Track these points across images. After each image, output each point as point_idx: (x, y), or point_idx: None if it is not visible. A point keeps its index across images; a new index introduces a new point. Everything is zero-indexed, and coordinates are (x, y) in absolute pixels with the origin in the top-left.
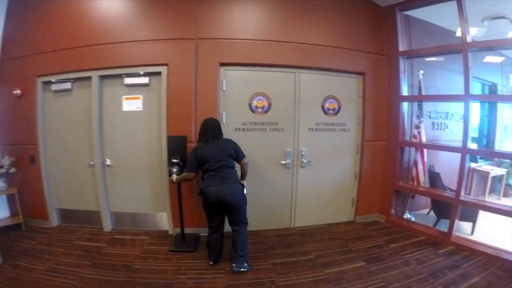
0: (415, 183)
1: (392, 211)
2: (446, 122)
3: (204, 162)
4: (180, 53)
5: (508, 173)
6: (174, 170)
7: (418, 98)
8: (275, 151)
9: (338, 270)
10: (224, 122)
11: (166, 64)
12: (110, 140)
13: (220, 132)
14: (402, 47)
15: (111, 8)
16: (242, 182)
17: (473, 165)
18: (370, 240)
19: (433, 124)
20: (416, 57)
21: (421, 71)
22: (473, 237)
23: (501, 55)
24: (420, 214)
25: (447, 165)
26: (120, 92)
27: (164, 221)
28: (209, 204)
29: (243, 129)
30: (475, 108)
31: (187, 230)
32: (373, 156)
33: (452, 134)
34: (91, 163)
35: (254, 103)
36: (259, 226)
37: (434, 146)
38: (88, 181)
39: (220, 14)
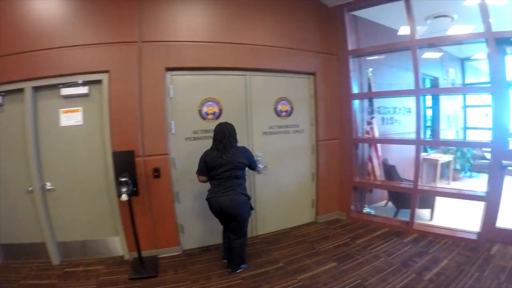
0: (372, 178)
1: (352, 207)
2: (395, 116)
3: (212, 168)
4: (122, 59)
5: (454, 158)
6: (124, 190)
7: (370, 95)
8: None
9: (311, 274)
10: (173, 132)
11: (107, 71)
12: (49, 161)
13: (235, 140)
14: (351, 46)
15: (45, 10)
16: (246, 194)
17: (422, 154)
18: (336, 238)
19: (382, 119)
20: (365, 56)
21: (370, 69)
22: (434, 222)
23: (441, 50)
24: (378, 207)
25: (399, 156)
26: (57, 105)
27: (117, 246)
28: (214, 214)
29: (195, 138)
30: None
31: (145, 253)
32: (328, 155)
33: (401, 127)
34: (30, 188)
35: (205, 109)
36: (219, 240)
37: (389, 140)
38: (28, 209)
39: (165, 15)
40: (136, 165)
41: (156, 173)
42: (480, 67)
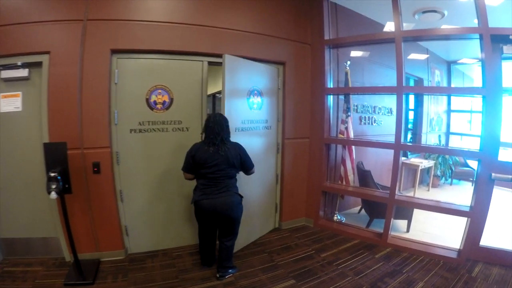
0: (344, 183)
1: (321, 213)
2: (374, 116)
3: (202, 165)
4: (64, 38)
5: (435, 164)
6: (53, 186)
7: (346, 91)
8: (180, 157)
9: None
10: (116, 123)
11: (47, 52)
12: None
13: (229, 135)
14: (328, 35)
15: None
16: (240, 193)
17: (402, 159)
18: (299, 249)
19: (360, 118)
20: (344, 47)
21: (348, 62)
22: (410, 235)
23: (427, 52)
24: (351, 214)
25: (376, 159)
26: None
27: (60, 246)
28: (203, 217)
29: (140, 130)
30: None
31: (86, 256)
32: (296, 155)
33: (380, 128)
34: None
35: (153, 98)
36: (168, 244)
37: (365, 143)
38: None
39: None
40: (68, 159)
41: (96, 168)
42: (467, 72)
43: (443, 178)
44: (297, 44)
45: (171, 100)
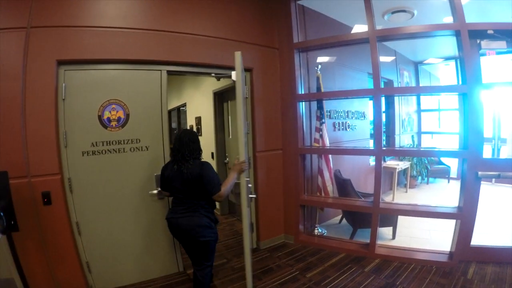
0: (323, 194)
1: (301, 227)
2: (348, 121)
3: (169, 184)
4: (6, 50)
5: (411, 165)
6: None
7: (319, 96)
8: (140, 178)
9: None
10: (65, 145)
11: None
12: None
13: (190, 152)
14: (297, 39)
15: None
16: (212, 216)
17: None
18: (281, 271)
19: (334, 124)
20: (314, 50)
21: (319, 66)
22: (397, 242)
23: (395, 54)
24: (332, 225)
25: (353, 166)
26: None
27: None
28: (174, 236)
29: (94, 152)
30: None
31: None
32: (269, 169)
33: (355, 133)
34: None
35: (107, 114)
36: (138, 278)
37: (343, 151)
38: None
39: None
40: (12, 190)
41: (46, 199)
42: (433, 72)
43: (420, 178)
44: (264, 49)
45: (127, 116)
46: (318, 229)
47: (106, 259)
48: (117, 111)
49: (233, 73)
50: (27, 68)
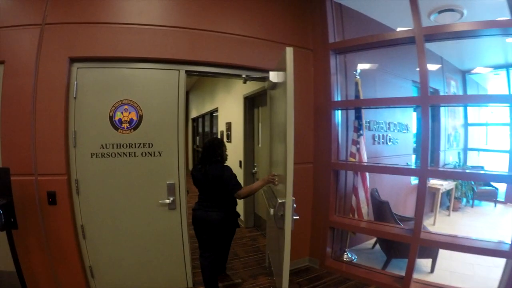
0: (356, 216)
1: (328, 250)
2: (389, 134)
3: (197, 183)
4: (20, 46)
5: (456, 186)
6: None
7: (358, 104)
8: (151, 186)
9: None
10: (74, 145)
11: (2, 62)
12: None
13: (220, 155)
14: (333, 39)
15: None
16: (230, 211)
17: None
18: None
19: (373, 137)
20: (352, 51)
21: (358, 70)
22: (435, 277)
23: (440, 61)
24: (363, 250)
25: (392, 185)
26: None
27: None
28: (194, 226)
29: (103, 155)
30: (414, 116)
31: None
32: (297, 184)
33: (396, 148)
34: None
35: (118, 115)
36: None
37: (383, 169)
38: None
39: None
40: (16, 187)
41: (51, 198)
42: (481, 82)
43: (464, 200)
44: (296, 50)
45: (140, 118)
46: (347, 254)
47: (110, 266)
48: (129, 112)
49: (271, 74)
50: (40, 65)
